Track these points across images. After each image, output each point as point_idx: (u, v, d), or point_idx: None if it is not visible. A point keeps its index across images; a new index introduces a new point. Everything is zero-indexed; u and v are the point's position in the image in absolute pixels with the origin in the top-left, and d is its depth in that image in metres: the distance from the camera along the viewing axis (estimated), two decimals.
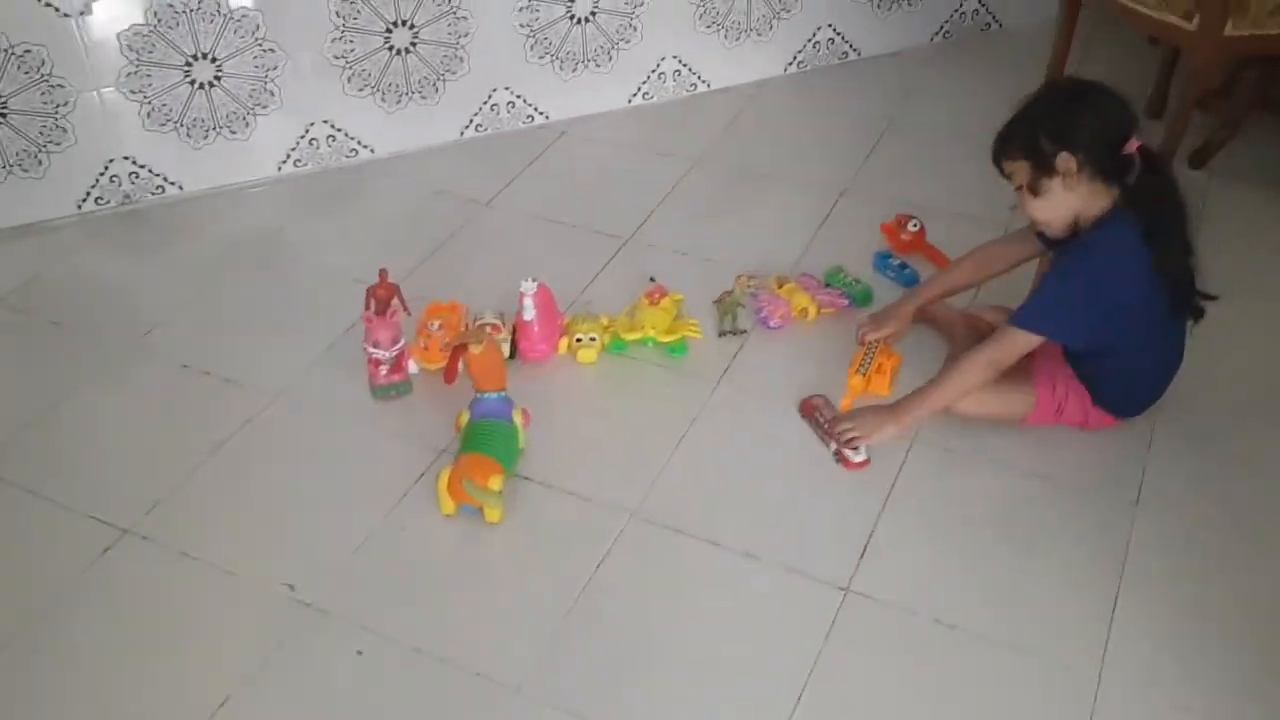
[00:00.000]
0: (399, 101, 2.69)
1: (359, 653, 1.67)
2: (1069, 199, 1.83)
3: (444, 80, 2.70)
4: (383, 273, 2.10)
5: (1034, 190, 1.85)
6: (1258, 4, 2.27)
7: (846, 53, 3.08)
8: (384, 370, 2.07)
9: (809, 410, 2.04)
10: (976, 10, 3.16)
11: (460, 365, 1.96)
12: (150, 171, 2.56)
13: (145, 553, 1.83)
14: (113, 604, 1.76)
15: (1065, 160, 1.80)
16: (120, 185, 2.55)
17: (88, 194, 2.54)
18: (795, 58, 3.03)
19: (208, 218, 2.60)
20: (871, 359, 2.09)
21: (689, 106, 2.97)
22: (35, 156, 2.45)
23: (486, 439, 1.89)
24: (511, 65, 2.75)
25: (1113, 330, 1.86)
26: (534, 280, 2.10)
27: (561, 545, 1.84)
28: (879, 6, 3.03)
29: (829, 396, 2.06)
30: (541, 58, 2.77)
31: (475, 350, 1.92)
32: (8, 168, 2.44)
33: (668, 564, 1.80)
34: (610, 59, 2.83)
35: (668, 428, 2.03)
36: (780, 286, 2.28)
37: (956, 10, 3.14)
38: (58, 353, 2.23)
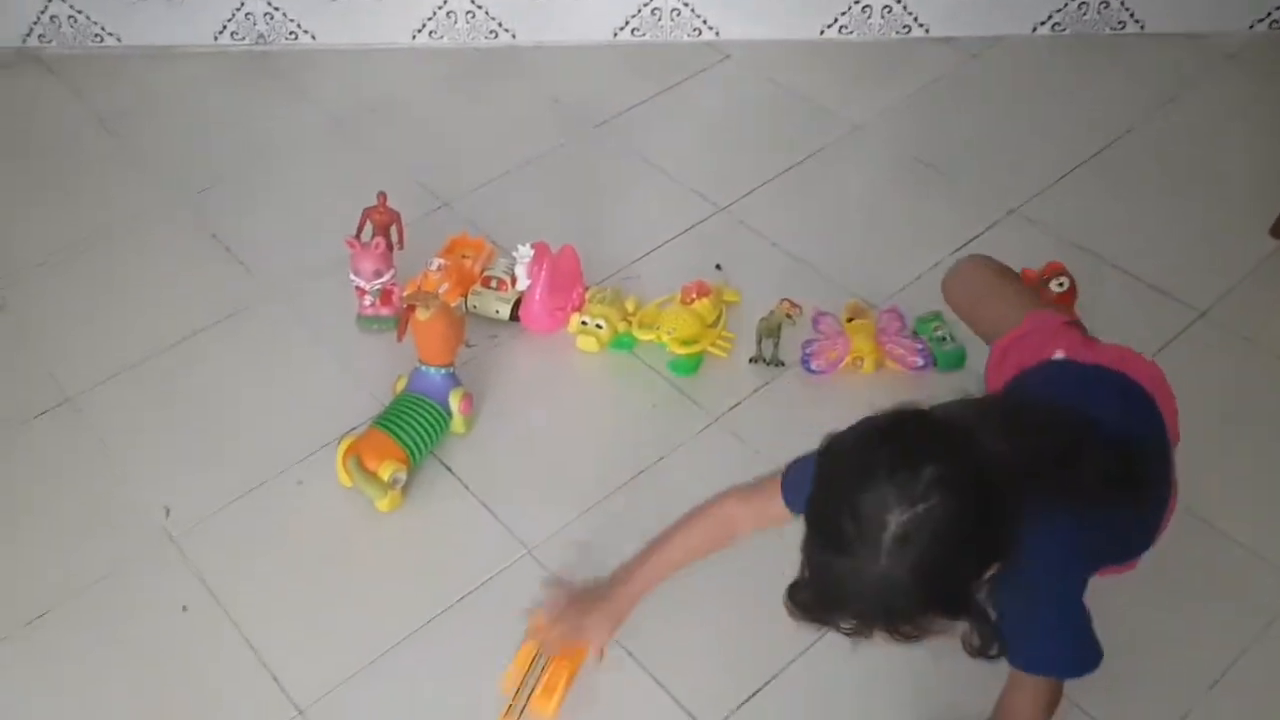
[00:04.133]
0: None
1: (184, 609, 1.57)
2: None
3: None
4: (381, 196, 1.89)
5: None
6: None
7: (1124, 22, 2.40)
8: (368, 301, 1.89)
9: None
10: None
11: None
12: (285, 15, 2.46)
13: (71, 427, 1.80)
14: (13, 466, 1.75)
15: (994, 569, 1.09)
16: (255, 24, 2.47)
17: (224, 27, 2.48)
18: (1051, 16, 2.40)
19: (332, 75, 2.47)
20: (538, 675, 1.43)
21: (893, 52, 2.44)
22: None
23: (404, 418, 1.67)
24: None
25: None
26: (529, 246, 1.81)
27: (441, 562, 1.62)
28: None
29: None
30: None
31: (421, 316, 1.68)
32: None
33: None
34: None
35: (628, 459, 1.72)
36: (850, 319, 1.85)
37: None
38: (117, 187, 2.22)
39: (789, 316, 1.83)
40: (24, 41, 2.49)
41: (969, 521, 1.02)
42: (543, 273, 1.82)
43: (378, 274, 1.85)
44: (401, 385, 1.75)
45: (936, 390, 1.71)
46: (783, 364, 1.83)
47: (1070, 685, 1.40)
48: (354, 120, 2.37)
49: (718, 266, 1.99)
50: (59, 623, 1.56)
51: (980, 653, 1.13)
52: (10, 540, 1.66)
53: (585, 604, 1.41)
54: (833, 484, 1.09)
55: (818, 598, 1.09)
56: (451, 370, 1.73)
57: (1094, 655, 1.21)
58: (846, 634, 1.09)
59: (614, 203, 2.15)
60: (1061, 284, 1.85)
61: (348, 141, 2.32)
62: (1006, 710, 1.29)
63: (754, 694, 1.45)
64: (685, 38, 2.47)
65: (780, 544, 1.55)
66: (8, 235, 2.13)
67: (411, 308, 1.70)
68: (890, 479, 1.02)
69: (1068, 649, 1.21)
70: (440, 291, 1.82)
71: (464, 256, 1.95)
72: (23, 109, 2.42)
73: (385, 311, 1.90)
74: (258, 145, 2.32)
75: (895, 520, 1.01)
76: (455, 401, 1.72)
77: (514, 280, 1.89)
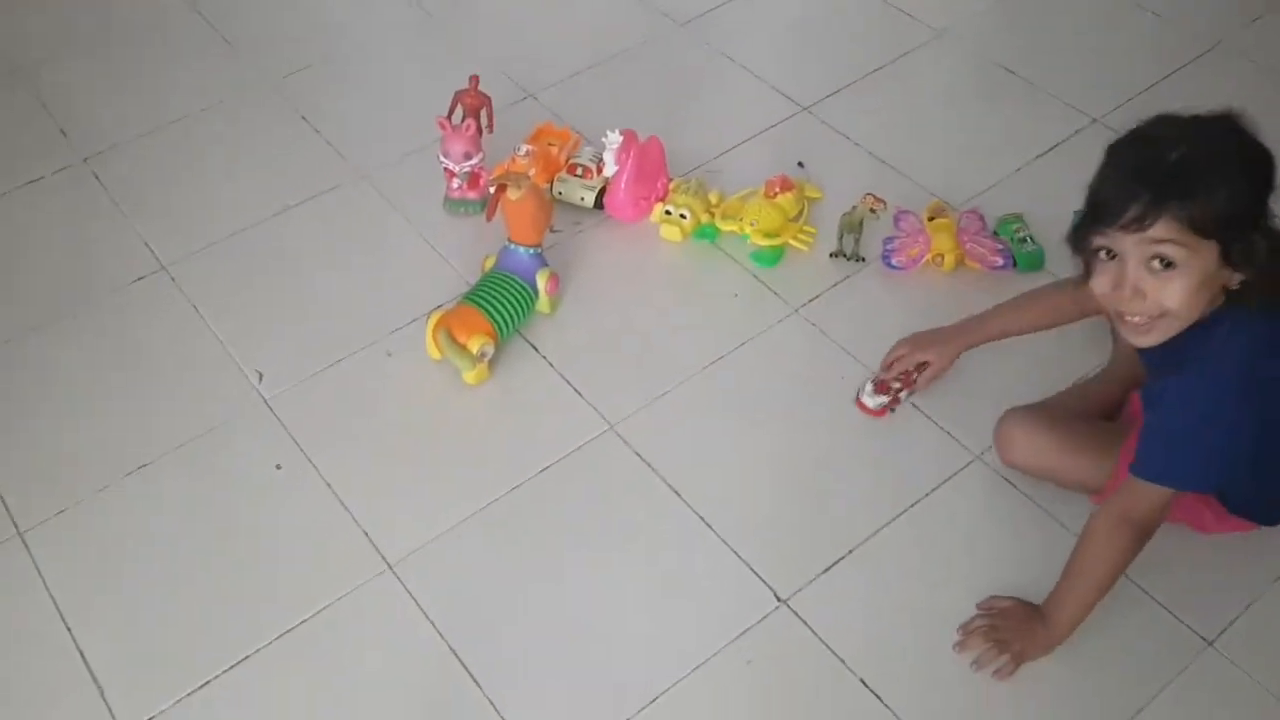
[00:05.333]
0: None
1: (278, 467, 1.63)
2: (1214, 284, 1.23)
3: None
4: (474, 79, 1.91)
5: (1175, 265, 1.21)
6: None
7: None
8: (456, 183, 1.92)
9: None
10: None
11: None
12: None
13: (166, 294, 1.86)
14: (110, 329, 1.81)
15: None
16: None
17: None
18: None
19: None
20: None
21: None
22: None
23: (493, 295, 1.71)
24: None
25: (1262, 447, 1.31)
26: (618, 132, 1.83)
27: (525, 433, 1.66)
28: None
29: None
30: None
31: (512, 195, 1.71)
32: None
33: (617, 494, 1.59)
34: None
35: (708, 344, 1.75)
36: (932, 218, 1.86)
37: None
38: (207, 70, 2.25)
39: (873, 211, 1.85)
40: None
41: (1256, 163, 1.21)
42: (630, 159, 1.85)
43: (467, 156, 1.88)
44: (490, 264, 1.78)
45: (1016, 290, 1.76)
46: (863, 260, 1.85)
47: (1139, 569, 1.44)
48: (440, 10, 2.38)
49: (800, 164, 2.00)
50: (157, 475, 1.62)
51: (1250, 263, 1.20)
52: (108, 397, 1.72)
53: (935, 331, 1.66)
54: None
55: (1113, 189, 1.22)
56: (539, 250, 1.77)
57: (1194, 473, 1.28)
58: (1123, 228, 1.20)
59: (697, 100, 2.17)
60: None
61: (434, 31, 2.34)
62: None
63: (829, 568, 1.50)
64: None
65: (852, 435, 1.63)
66: (101, 113, 2.17)
67: (503, 187, 1.73)
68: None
69: (1177, 451, 1.28)
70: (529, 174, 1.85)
71: (550, 144, 1.98)
72: None
73: (472, 195, 1.93)
74: (344, 32, 2.35)
75: (1201, 118, 1.21)
76: (542, 281, 1.75)
77: (600, 167, 1.91)
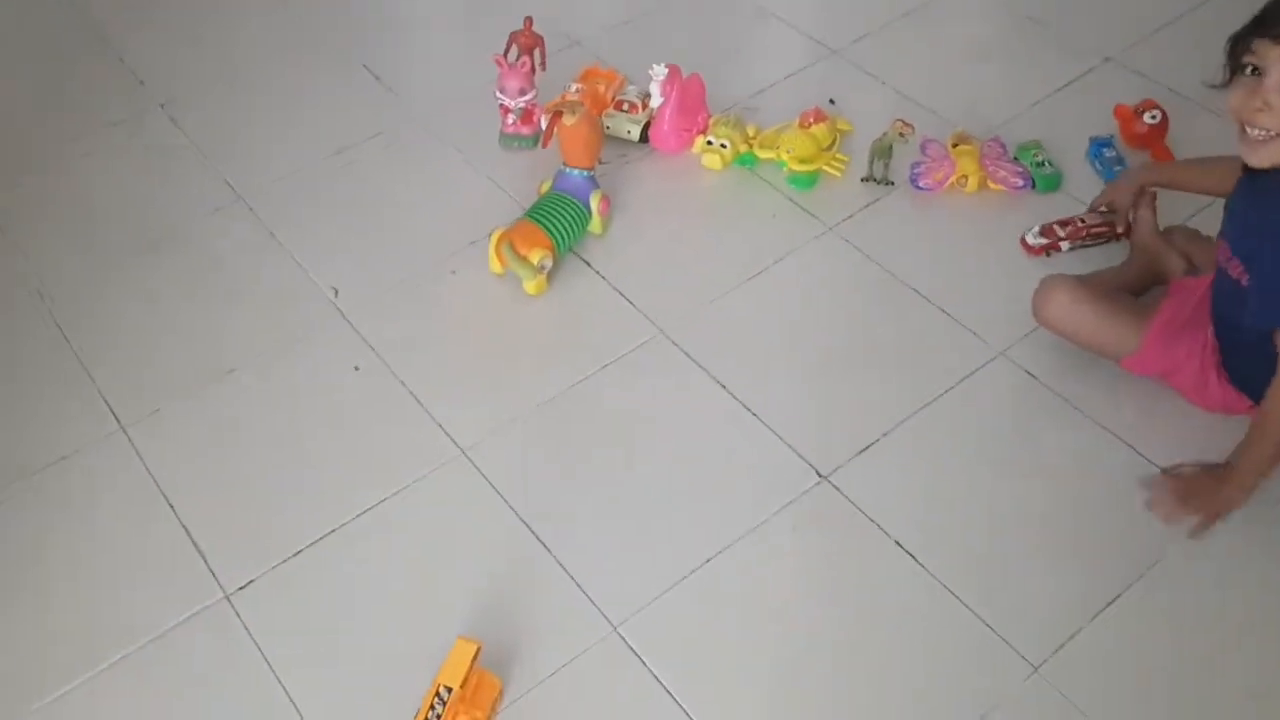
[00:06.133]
0: None
1: (356, 368, 1.78)
2: None
3: None
4: (528, 20, 2.06)
5: None
6: None
7: None
8: (511, 119, 2.07)
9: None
10: None
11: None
12: None
13: (243, 222, 2.00)
14: (194, 254, 1.95)
15: None
16: None
17: None
18: None
19: None
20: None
21: None
22: None
23: (551, 212, 1.85)
24: None
25: None
26: (664, 65, 1.97)
27: (582, 337, 1.81)
28: None
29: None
30: None
31: (567, 121, 1.86)
32: None
33: (668, 386, 1.73)
34: None
35: (749, 259, 1.89)
36: (955, 145, 2.00)
37: None
38: (273, 25, 2.41)
39: (901, 135, 1.99)
40: None
41: None
42: (674, 91, 1.99)
43: (522, 92, 2.02)
44: (546, 187, 1.92)
45: (1036, 210, 1.90)
46: (892, 184, 1.98)
47: (1151, 446, 1.57)
48: None
49: (831, 101, 2.14)
50: (245, 375, 1.76)
51: None
52: (195, 310, 1.87)
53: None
54: None
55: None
56: (592, 174, 1.91)
57: None
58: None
59: (732, 47, 2.31)
60: (1154, 116, 1.99)
61: None
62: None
63: (864, 449, 1.63)
64: None
65: (883, 334, 1.76)
66: (175, 64, 2.33)
67: (558, 114, 1.87)
68: None
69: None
70: None
71: (597, 84, 2.12)
72: None
73: (525, 131, 2.08)
74: None
75: None
76: (595, 201, 1.89)
77: (645, 102, 2.05)
